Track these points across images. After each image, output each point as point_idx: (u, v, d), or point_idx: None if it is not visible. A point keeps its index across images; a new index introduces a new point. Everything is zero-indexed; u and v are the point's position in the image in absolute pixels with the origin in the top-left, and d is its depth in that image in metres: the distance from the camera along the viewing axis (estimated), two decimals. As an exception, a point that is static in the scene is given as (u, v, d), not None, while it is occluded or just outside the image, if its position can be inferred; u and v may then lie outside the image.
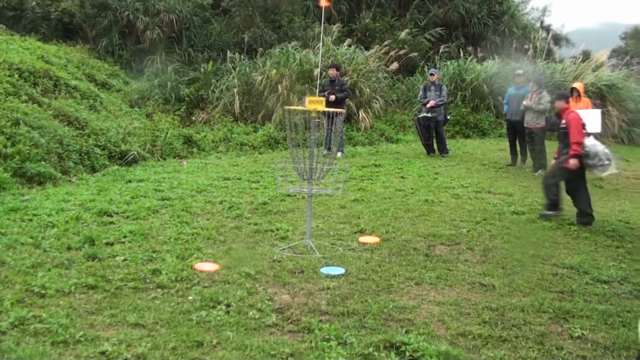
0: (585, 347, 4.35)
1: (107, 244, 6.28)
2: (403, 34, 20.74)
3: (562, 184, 8.40)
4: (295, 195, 8.76)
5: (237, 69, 17.03)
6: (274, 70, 16.18)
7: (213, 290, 5.10)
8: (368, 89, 17.05)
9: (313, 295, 5.13)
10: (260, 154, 14.06)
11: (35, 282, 5.02)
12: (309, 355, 4.05)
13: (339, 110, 7.33)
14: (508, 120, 13.08)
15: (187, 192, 9.01)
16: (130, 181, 9.78)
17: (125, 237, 6.52)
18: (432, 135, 13.84)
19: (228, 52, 18.23)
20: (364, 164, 12.26)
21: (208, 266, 5.71)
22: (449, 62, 19.69)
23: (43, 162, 9.47)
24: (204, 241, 6.58)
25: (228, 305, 4.78)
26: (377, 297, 5.11)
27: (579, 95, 11.95)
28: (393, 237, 6.95)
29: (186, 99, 16.46)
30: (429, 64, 20.30)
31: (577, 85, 12.41)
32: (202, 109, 16.48)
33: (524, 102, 12.08)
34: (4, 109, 10.08)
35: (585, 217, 8.09)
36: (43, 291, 4.86)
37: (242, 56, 17.88)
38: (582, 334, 4.52)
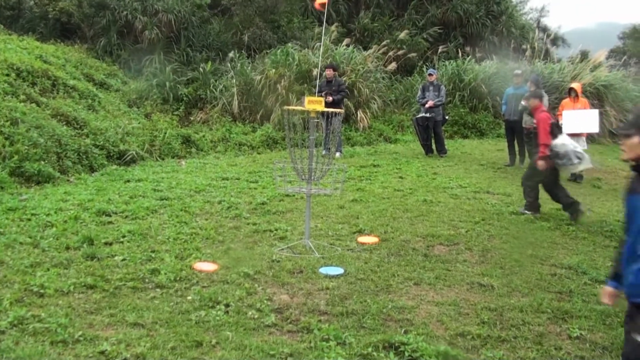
0: (584, 347, 4.36)
1: (105, 243, 6.28)
2: (401, 34, 20.75)
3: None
4: (293, 196, 8.76)
5: (236, 68, 17.02)
6: (273, 70, 16.18)
7: (212, 290, 5.10)
8: (366, 89, 17.05)
9: (312, 295, 5.14)
10: (258, 154, 14.06)
11: (34, 281, 5.02)
12: (308, 355, 4.05)
13: (337, 110, 7.34)
14: (506, 121, 13.10)
15: (185, 192, 9.01)
16: (128, 181, 9.77)
17: (124, 236, 6.52)
18: (431, 136, 13.85)
19: (227, 52, 18.22)
20: (362, 164, 12.26)
21: (207, 266, 5.71)
22: (447, 62, 19.69)
23: (41, 162, 9.46)
24: (202, 241, 6.58)
25: (227, 305, 4.79)
26: (376, 297, 5.11)
27: (577, 95, 11.96)
28: (392, 237, 6.96)
29: (184, 98, 16.45)
30: (427, 64, 20.31)
31: (575, 85, 12.43)
32: (201, 109, 16.48)
33: (522, 102, 12.08)
34: (2, 109, 10.07)
35: (570, 206, 8.20)
36: (42, 291, 4.86)
37: (240, 56, 17.87)
38: (581, 334, 4.53)
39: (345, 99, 14.07)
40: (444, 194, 9.48)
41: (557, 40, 30.79)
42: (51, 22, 18.83)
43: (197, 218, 7.58)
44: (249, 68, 17.10)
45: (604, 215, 8.76)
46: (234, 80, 16.56)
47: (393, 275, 5.67)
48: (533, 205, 8.44)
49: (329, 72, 13.15)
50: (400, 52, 19.63)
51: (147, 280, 5.29)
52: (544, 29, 29.14)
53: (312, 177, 6.54)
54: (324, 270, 5.75)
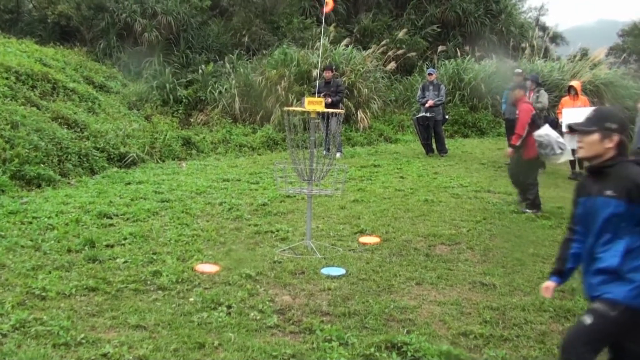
0: (587, 345, 4.35)
1: (107, 246, 6.28)
2: (400, 34, 20.75)
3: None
4: (294, 196, 8.75)
5: (236, 70, 17.02)
6: (274, 71, 16.18)
7: (214, 291, 5.10)
8: (366, 89, 17.04)
9: (314, 296, 5.13)
10: (259, 155, 14.05)
11: (35, 284, 5.01)
12: (310, 356, 4.05)
13: (337, 110, 7.34)
14: (507, 119, 13.07)
15: (186, 193, 9.01)
16: (129, 183, 9.77)
17: (125, 239, 6.52)
18: (431, 135, 13.84)
19: (226, 53, 18.23)
20: (363, 164, 12.26)
21: (208, 268, 5.71)
22: (447, 62, 19.69)
23: (42, 165, 9.46)
24: (204, 243, 6.58)
25: (229, 307, 4.79)
26: (378, 298, 5.11)
27: (577, 93, 11.96)
28: (393, 237, 6.96)
29: (184, 100, 16.45)
30: (427, 63, 20.31)
31: (575, 83, 12.43)
32: (201, 111, 16.47)
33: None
34: (2, 112, 10.06)
35: (530, 204, 8.49)
36: (44, 294, 4.86)
37: (240, 57, 17.86)
38: (583, 332, 4.52)
39: (343, 100, 14.06)
40: (445, 194, 9.47)
41: (556, 38, 30.77)
42: (50, 25, 18.83)
43: (198, 220, 7.58)
44: (249, 69, 17.09)
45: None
46: (234, 82, 16.56)
47: (395, 275, 5.67)
48: (534, 204, 8.45)
49: (327, 74, 13.16)
50: (399, 52, 19.63)
51: (148, 282, 5.29)
52: (543, 28, 29.12)
53: (313, 178, 6.53)
54: (325, 270, 5.74)
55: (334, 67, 14.31)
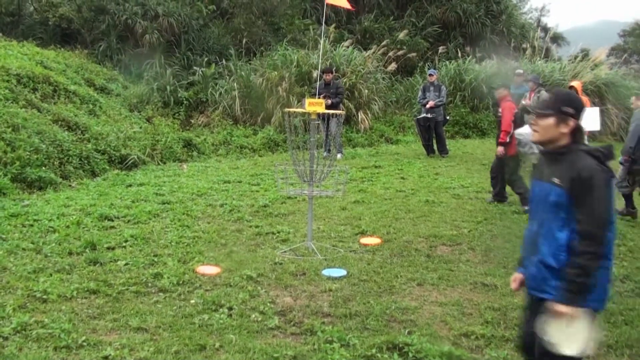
0: (588, 345, 4.34)
1: (108, 248, 6.29)
2: (401, 35, 20.75)
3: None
4: (295, 198, 8.76)
5: (237, 72, 17.02)
6: (274, 73, 16.18)
7: (215, 293, 5.10)
8: (367, 90, 17.04)
9: (315, 297, 5.13)
10: (260, 156, 14.05)
11: (37, 287, 5.02)
12: (311, 357, 4.05)
13: (337, 112, 7.34)
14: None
15: (187, 195, 9.01)
16: (130, 185, 9.77)
17: (126, 241, 6.52)
18: (432, 136, 13.84)
19: (227, 55, 18.23)
20: (364, 165, 12.26)
21: (210, 269, 5.72)
22: (447, 63, 19.68)
23: (43, 167, 9.47)
24: (205, 244, 6.58)
25: (230, 309, 4.79)
26: (379, 299, 5.11)
27: (577, 93, 11.93)
28: (394, 238, 6.95)
29: (185, 102, 16.45)
30: (428, 64, 20.30)
31: (575, 83, 12.41)
32: (202, 112, 16.47)
33: (523, 102, 12.08)
34: (3, 115, 10.08)
35: (502, 197, 8.94)
36: (45, 296, 4.86)
37: (241, 59, 17.87)
38: (585, 332, 4.51)
39: (343, 101, 14.06)
40: (446, 194, 9.47)
41: (557, 38, 30.77)
42: (51, 28, 18.84)
43: (199, 221, 7.58)
44: (249, 71, 17.09)
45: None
46: (235, 83, 16.56)
47: (396, 276, 5.67)
48: (525, 197, 8.47)
49: (327, 76, 13.16)
50: (400, 53, 19.62)
51: (150, 284, 5.29)
52: (545, 28, 29.13)
53: (314, 179, 6.54)
54: (326, 272, 5.74)
55: (334, 69, 14.32)
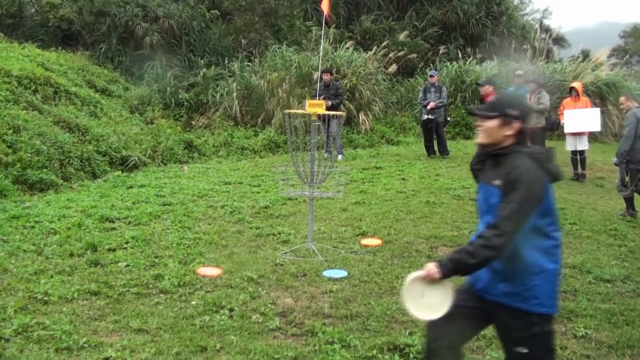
0: (589, 346, 4.35)
1: (109, 250, 6.29)
2: (402, 36, 20.75)
3: None
4: (296, 199, 8.76)
5: (237, 73, 17.04)
6: (275, 74, 16.19)
7: (216, 294, 5.10)
8: (367, 92, 17.04)
9: (316, 298, 5.13)
10: (261, 157, 14.07)
11: (38, 289, 5.02)
12: (312, 358, 4.05)
13: (338, 113, 7.35)
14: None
15: (188, 197, 9.01)
16: (131, 187, 9.78)
17: (127, 242, 6.52)
18: (433, 137, 13.84)
19: (228, 56, 18.25)
20: (364, 166, 12.26)
21: (210, 271, 5.72)
22: (448, 64, 19.68)
23: (44, 169, 9.48)
24: (206, 246, 6.58)
25: (231, 310, 4.79)
26: (380, 300, 5.11)
27: (578, 94, 11.95)
28: (395, 239, 6.95)
29: (186, 104, 16.47)
30: (430, 65, 20.30)
31: (576, 84, 12.42)
32: (202, 114, 16.49)
33: (524, 103, 12.07)
34: (4, 117, 10.09)
35: None
36: (46, 298, 4.86)
37: (241, 60, 17.88)
38: (586, 333, 4.52)
39: (344, 102, 14.06)
40: (447, 195, 9.47)
41: (559, 40, 30.78)
42: (52, 30, 18.87)
43: (200, 223, 7.58)
44: (250, 72, 17.10)
45: (608, 214, 8.75)
46: (235, 85, 16.57)
47: (397, 277, 5.66)
48: None
49: (326, 77, 13.16)
50: (400, 54, 19.63)
51: (150, 286, 5.29)
52: (547, 29, 29.14)
53: (315, 181, 6.54)
54: (327, 273, 5.74)
55: (333, 70, 14.32)
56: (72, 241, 6.51)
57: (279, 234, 7.12)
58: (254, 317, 4.67)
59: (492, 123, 3.03)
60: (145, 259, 6.01)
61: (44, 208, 7.93)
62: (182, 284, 5.34)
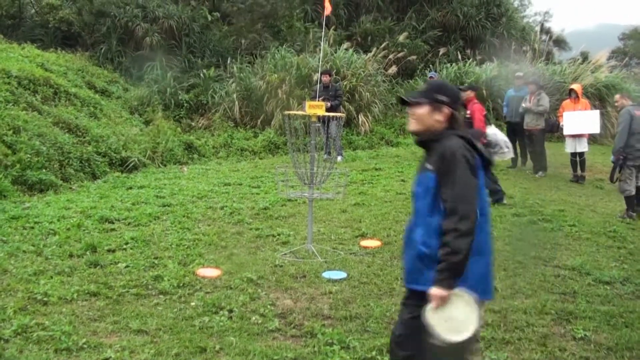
0: (588, 348, 4.35)
1: (108, 250, 6.29)
2: (401, 38, 20.75)
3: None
4: (296, 200, 8.76)
5: (237, 74, 17.04)
6: (275, 75, 16.19)
7: (215, 295, 5.10)
8: (367, 93, 17.03)
9: (315, 299, 5.13)
10: (260, 159, 14.07)
11: (37, 289, 5.02)
12: (312, 359, 4.05)
13: (338, 114, 7.35)
14: (508, 122, 13.10)
15: (188, 198, 9.01)
16: (131, 188, 9.78)
17: (126, 243, 6.53)
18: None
19: (228, 57, 18.26)
20: (364, 167, 12.26)
21: (210, 272, 5.72)
22: (448, 65, 19.69)
23: (44, 170, 9.48)
24: (205, 247, 6.58)
25: (230, 311, 4.79)
26: (379, 301, 5.11)
27: (577, 96, 11.95)
28: (394, 241, 6.95)
29: (185, 104, 16.47)
30: (429, 66, 20.30)
31: (575, 86, 12.43)
32: (202, 115, 16.49)
33: (523, 105, 12.09)
34: (4, 117, 10.09)
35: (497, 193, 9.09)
36: (45, 299, 4.87)
37: (241, 61, 17.89)
38: (585, 335, 4.52)
39: (344, 103, 14.07)
40: (446, 197, 9.45)
41: (560, 42, 30.80)
42: (52, 30, 18.86)
43: (200, 224, 7.58)
44: (250, 73, 17.10)
45: (607, 215, 8.75)
46: (235, 86, 16.57)
47: (396, 279, 5.66)
48: (497, 191, 9.05)
49: (325, 78, 13.16)
50: (400, 55, 19.62)
51: (150, 286, 5.29)
52: (547, 31, 29.15)
53: (314, 182, 6.54)
54: (326, 274, 5.75)
55: (332, 72, 14.32)
56: (71, 242, 6.51)
57: (279, 235, 7.12)
58: (254, 318, 4.67)
59: (423, 110, 3.08)
60: (145, 260, 6.01)
61: (43, 209, 7.93)
62: (181, 285, 5.35)
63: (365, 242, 6.89)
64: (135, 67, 18.03)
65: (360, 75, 17.12)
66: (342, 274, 5.76)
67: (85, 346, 4.09)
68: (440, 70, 19.29)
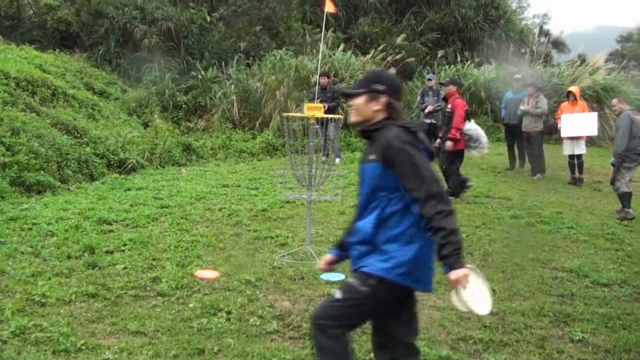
0: (586, 350, 4.36)
1: (106, 252, 6.28)
2: (400, 39, 20.78)
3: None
4: (294, 202, 8.76)
5: (235, 76, 17.04)
6: (273, 77, 16.20)
7: (213, 297, 5.10)
8: (366, 95, 17.02)
9: (314, 301, 5.13)
10: (259, 160, 14.07)
11: (35, 291, 5.01)
12: (310, 361, 4.05)
13: (336, 116, 7.36)
14: (506, 125, 13.12)
15: (186, 199, 9.01)
16: (129, 189, 9.78)
17: (125, 245, 6.52)
18: (431, 140, 13.83)
19: (226, 59, 18.26)
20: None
21: (208, 273, 5.72)
22: (446, 67, 19.71)
23: (42, 171, 9.47)
24: (203, 248, 6.58)
25: (229, 313, 4.79)
26: (378, 303, 5.10)
27: (575, 98, 11.97)
28: (392, 243, 6.93)
29: (184, 106, 16.47)
30: (427, 68, 20.33)
31: (573, 88, 12.44)
32: (200, 117, 16.50)
33: (521, 107, 12.10)
34: (2, 119, 10.08)
35: (462, 183, 9.35)
36: (44, 300, 4.86)
37: (239, 63, 17.90)
38: (583, 337, 4.53)
39: (342, 105, 14.07)
40: (445, 199, 9.46)
41: (559, 44, 30.85)
42: (50, 32, 18.88)
43: (198, 225, 7.58)
44: (248, 75, 17.11)
45: (605, 218, 8.77)
46: (233, 88, 16.58)
47: (394, 281, 5.66)
48: (454, 192, 9.26)
49: (323, 80, 13.17)
50: (398, 57, 19.64)
51: (148, 288, 5.29)
52: (546, 34, 29.21)
53: (312, 184, 6.54)
54: (325, 276, 5.74)
55: (331, 74, 14.32)
56: (69, 243, 6.50)
57: (277, 237, 7.12)
58: (252, 320, 4.67)
59: (360, 100, 3.08)
60: (143, 261, 6.01)
61: (41, 210, 7.92)
62: (179, 286, 5.34)
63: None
64: (134, 68, 18.05)
65: (358, 77, 17.12)
66: (340, 276, 5.75)
67: (83, 347, 4.09)
68: (438, 72, 19.31)
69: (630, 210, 8.80)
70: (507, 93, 13.20)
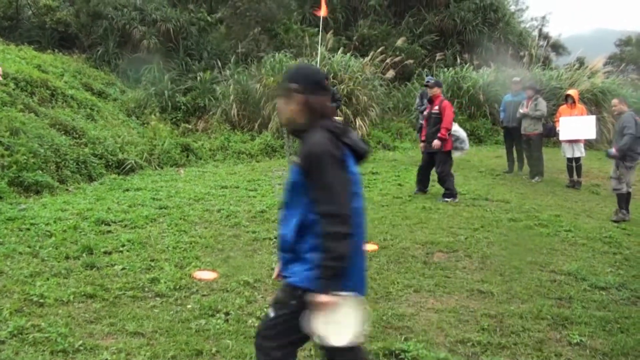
0: (584, 353, 4.36)
1: (105, 252, 6.28)
2: (399, 42, 20.81)
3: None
4: (292, 203, 8.73)
5: (234, 77, 17.05)
6: (272, 78, 16.20)
7: (212, 298, 5.10)
8: (364, 97, 17.05)
9: (312, 303, 5.12)
10: (257, 162, 14.04)
11: (33, 291, 5.01)
12: (308, 363, 4.05)
13: (335, 117, 7.36)
14: (505, 127, 13.13)
15: (184, 200, 9.01)
16: (127, 190, 9.77)
17: (123, 245, 6.51)
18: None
19: (225, 60, 18.27)
20: (361, 171, 12.23)
21: (206, 275, 5.72)
22: (445, 70, 19.74)
23: (40, 172, 9.46)
24: (202, 250, 6.57)
25: (227, 314, 4.79)
26: (376, 305, 5.11)
27: (574, 102, 11.98)
28: (391, 245, 6.96)
29: (182, 107, 16.47)
30: (426, 70, 20.35)
31: (572, 92, 12.45)
32: (199, 118, 16.50)
33: (520, 110, 12.11)
34: (1, 119, 10.08)
35: (449, 194, 9.56)
36: (42, 300, 4.85)
37: (238, 64, 17.91)
38: (581, 340, 4.53)
39: (341, 107, 14.07)
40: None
41: (557, 47, 30.90)
42: (49, 32, 18.88)
43: (197, 227, 7.58)
44: (247, 76, 17.12)
45: (603, 221, 8.78)
46: (232, 89, 16.59)
47: (392, 283, 5.67)
48: (452, 193, 9.51)
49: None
50: (397, 59, 19.67)
51: (146, 289, 5.29)
52: (545, 36, 29.25)
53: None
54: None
55: (329, 75, 14.33)
56: (67, 244, 6.50)
57: (275, 238, 7.10)
58: (250, 321, 4.67)
59: (280, 100, 2.92)
60: (141, 262, 6.00)
61: (39, 210, 7.91)
62: (178, 287, 5.34)
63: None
64: (133, 69, 18.05)
65: (357, 79, 17.13)
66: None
67: (81, 348, 4.09)
68: (437, 75, 19.33)
69: (627, 212, 8.82)
70: (506, 96, 13.22)
